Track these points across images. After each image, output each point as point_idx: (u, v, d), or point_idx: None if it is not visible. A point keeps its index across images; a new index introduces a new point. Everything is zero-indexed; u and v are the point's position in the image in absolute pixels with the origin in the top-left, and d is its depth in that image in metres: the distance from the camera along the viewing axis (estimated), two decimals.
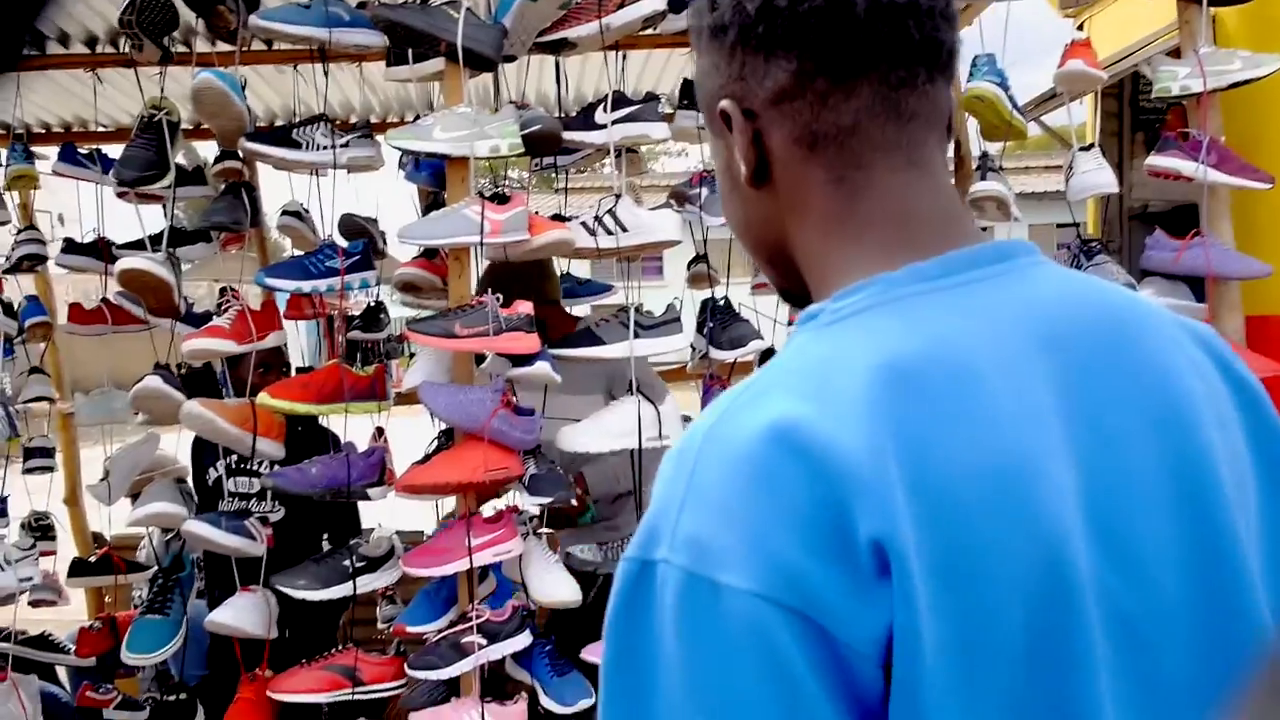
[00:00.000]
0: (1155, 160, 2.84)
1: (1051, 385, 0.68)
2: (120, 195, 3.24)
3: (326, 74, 2.84)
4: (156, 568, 3.03)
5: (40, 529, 3.42)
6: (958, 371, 0.66)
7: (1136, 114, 4.32)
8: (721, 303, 3.01)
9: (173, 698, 3.10)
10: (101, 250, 3.30)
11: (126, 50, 2.63)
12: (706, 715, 0.61)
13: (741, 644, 0.60)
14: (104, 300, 3.38)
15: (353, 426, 2.89)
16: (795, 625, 0.59)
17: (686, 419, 3.09)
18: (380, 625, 3.56)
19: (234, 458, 3.21)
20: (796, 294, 0.83)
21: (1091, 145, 3.01)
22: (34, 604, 3.36)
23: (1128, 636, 0.66)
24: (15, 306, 3.42)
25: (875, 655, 0.61)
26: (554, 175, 3.45)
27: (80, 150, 3.22)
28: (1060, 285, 0.75)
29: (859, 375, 0.65)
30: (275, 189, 3.30)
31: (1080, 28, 3.02)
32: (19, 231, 3.37)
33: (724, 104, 0.77)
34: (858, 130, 0.74)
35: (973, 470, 0.63)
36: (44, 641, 3.41)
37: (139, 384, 2.70)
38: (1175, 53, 2.97)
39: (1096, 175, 2.88)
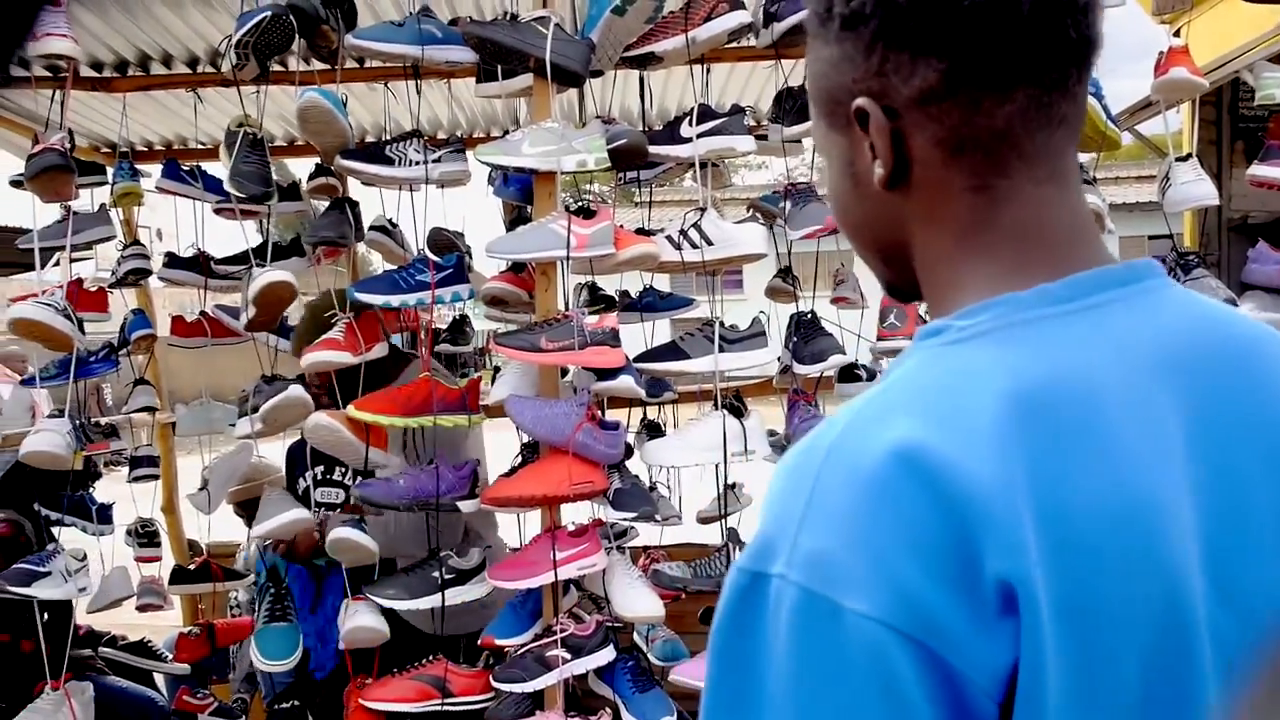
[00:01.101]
0: (1258, 170, 2.76)
1: (1175, 418, 0.67)
2: (218, 211, 3.34)
3: (419, 91, 2.89)
4: (262, 576, 3.07)
5: (146, 535, 3.53)
6: (1086, 404, 0.64)
7: (1236, 122, 4.19)
8: (808, 317, 2.99)
9: (287, 705, 3.16)
10: (202, 264, 3.40)
11: (224, 70, 2.70)
12: None
13: (858, 668, 0.59)
14: (202, 313, 3.48)
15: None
16: (915, 654, 0.58)
17: (772, 434, 3.07)
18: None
19: (320, 469, 3.27)
20: (905, 291, 0.80)
21: (1189, 155, 2.93)
22: (141, 609, 3.46)
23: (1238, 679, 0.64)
24: (123, 320, 3.53)
25: (994, 691, 0.59)
26: (637, 189, 3.47)
27: (183, 167, 3.33)
28: (1186, 311, 0.72)
29: (988, 403, 0.63)
30: (363, 204, 3.37)
31: (1177, 34, 2.93)
32: (124, 247, 3.48)
33: (861, 101, 0.72)
34: (1008, 136, 0.70)
35: (1100, 509, 0.62)
36: (142, 647, 3.51)
37: (282, 393, 2.73)
38: (1278, 58, 2.88)
39: (1195, 187, 2.79)
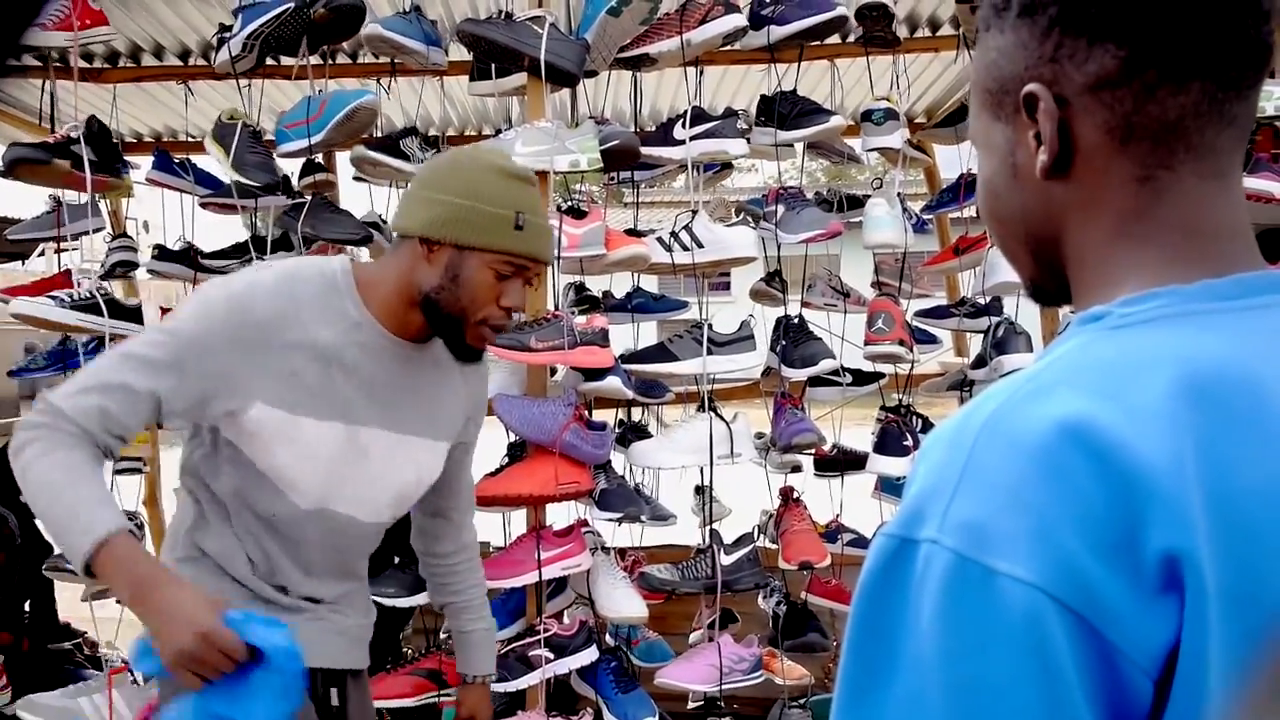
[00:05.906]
0: (1248, 182, 2.77)
1: None
2: (205, 205, 3.33)
3: (413, 88, 2.90)
4: None
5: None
6: (1256, 395, 0.64)
7: None
8: (795, 320, 2.99)
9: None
10: (192, 258, 3.38)
11: (219, 61, 2.69)
12: (955, 699, 0.59)
13: (1009, 636, 0.58)
14: None
15: None
16: (1070, 625, 0.58)
17: (759, 436, 3.07)
18: (442, 635, 3.57)
19: None
20: (1050, 291, 0.81)
21: None
22: (121, 601, 3.43)
23: None
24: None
25: (1150, 668, 0.59)
26: (630, 188, 3.46)
27: (174, 159, 3.31)
28: None
29: (1158, 383, 0.63)
30: (351, 200, 3.37)
31: None
32: (112, 239, 3.46)
33: (1033, 87, 0.73)
34: (1179, 128, 0.70)
35: (1271, 495, 0.62)
36: None
37: None
38: (1271, 72, 2.90)
39: None
